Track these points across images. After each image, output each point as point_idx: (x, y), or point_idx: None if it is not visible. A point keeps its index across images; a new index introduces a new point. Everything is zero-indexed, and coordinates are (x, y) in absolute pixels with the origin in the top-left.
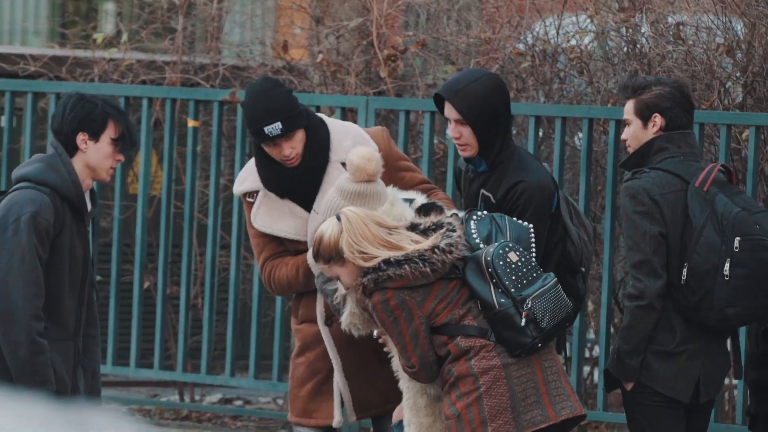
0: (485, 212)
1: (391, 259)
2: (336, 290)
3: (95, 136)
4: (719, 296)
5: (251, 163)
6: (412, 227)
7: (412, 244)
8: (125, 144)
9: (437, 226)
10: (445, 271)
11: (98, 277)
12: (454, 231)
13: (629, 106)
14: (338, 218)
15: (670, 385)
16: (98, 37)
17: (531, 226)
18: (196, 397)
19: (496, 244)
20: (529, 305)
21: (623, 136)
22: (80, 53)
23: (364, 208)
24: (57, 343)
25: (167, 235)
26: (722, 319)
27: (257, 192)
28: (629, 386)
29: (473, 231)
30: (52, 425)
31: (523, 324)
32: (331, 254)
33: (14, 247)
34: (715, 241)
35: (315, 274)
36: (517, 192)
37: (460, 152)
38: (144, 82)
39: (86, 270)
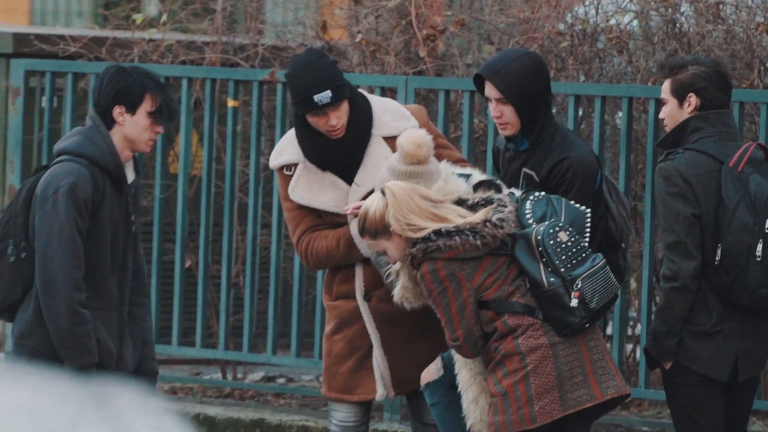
0: (543, 193)
1: (442, 229)
2: (389, 262)
3: (132, 109)
4: (752, 277)
5: (287, 136)
6: (459, 202)
7: (459, 218)
8: (162, 117)
9: (486, 202)
10: (495, 245)
11: None
12: (505, 207)
13: (666, 85)
14: (383, 192)
15: (707, 364)
16: (138, 17)
17: (588, 210)
18: (239, 375)
19: (546, 222)
20: (579, 285)
21: (661, 115)
22: (120, 34)
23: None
24: (100, 312)
25: (208, 214)
26: (756, 299)
27: (295, 165)
28: (667, 365)
29: (527, 211)
30: (73, 403)
31: (573, 304)
32: (377, 228)
33: (53, 219)
34: (748, 222)
35: (358, 247)
36: (563, 169)
37: (500, 131)
38: (184, 63)
39: (127, 240)
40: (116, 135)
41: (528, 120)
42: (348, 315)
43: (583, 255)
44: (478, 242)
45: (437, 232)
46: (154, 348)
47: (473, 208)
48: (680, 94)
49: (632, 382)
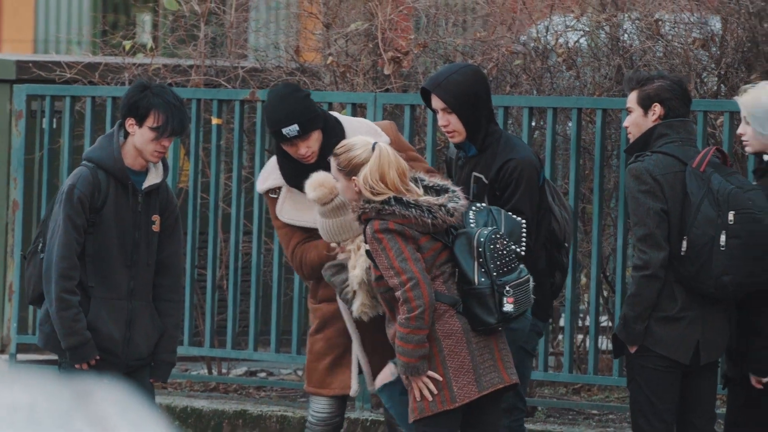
0: (484, 204)
1: (403, 199)
2: (344, 281)
3: (140, 122)
4: (716, 265)
5: (271, 162)
6: (415, 180)
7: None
8: (165, 132)
9: (441, 189)
10: (441, 229)
11: None
12: (459, 199)
13: (632, 96)
14: (374, 146)
15: (672, 348)
16: (126, 44)
17: (524, 222)
18: (223, 370)
19: (489, 228)
20: (511, 292)
21: (625, 123)
22: (111, 59)
23: (342, 219)
24: (107, 301)
25: (194, 223)
26: (719, 286)
27: (280, 188)
28: (633, 349)
29: (471, 220)
30: (64, 401)
31: (508, 309)
32: (347, 167)
33: (57, 216)
34: (712, 215)
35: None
36: (509, 169)
37: (450, 140)
38: (171, 85)
39: (141, 237)
40: (129, 144)
41: (473, 127)
42: (329, 316)
43: (513, 265)
44: (429, 221)
45: (397, 200)
46: (176, 342)
47: (426, 190)
48: (646, 104)
49: (582, 369)
